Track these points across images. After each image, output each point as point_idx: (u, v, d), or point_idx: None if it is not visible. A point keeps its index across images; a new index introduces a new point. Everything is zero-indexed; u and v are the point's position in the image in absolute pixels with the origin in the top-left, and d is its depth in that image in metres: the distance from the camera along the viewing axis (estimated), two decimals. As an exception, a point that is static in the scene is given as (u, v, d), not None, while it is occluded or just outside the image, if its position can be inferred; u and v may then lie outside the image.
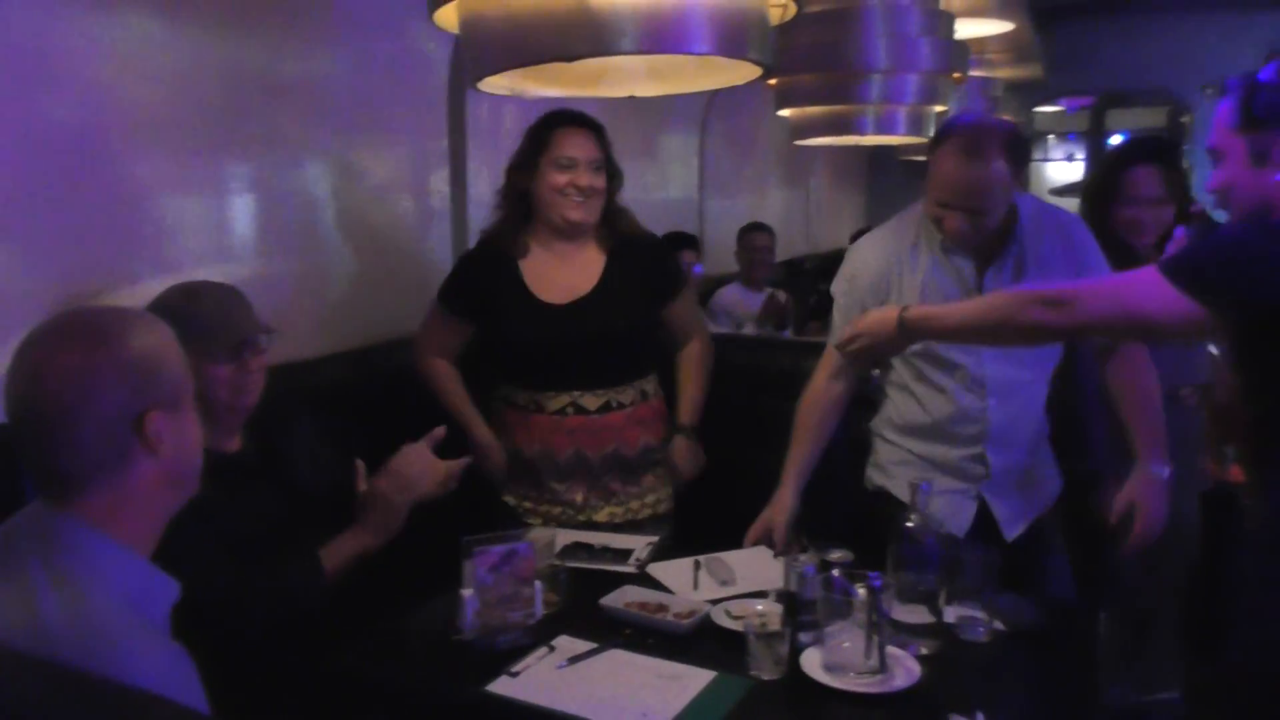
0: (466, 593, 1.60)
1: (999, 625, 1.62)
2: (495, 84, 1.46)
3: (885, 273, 1.98)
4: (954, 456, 1.98)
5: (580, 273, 2.20)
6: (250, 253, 2.24)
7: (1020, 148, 1.93)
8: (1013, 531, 1.99)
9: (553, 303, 2.18)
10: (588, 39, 1.23)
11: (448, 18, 1.34)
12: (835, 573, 1.51)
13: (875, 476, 2.09)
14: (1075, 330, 1.61)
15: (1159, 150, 2.36)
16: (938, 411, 1.96)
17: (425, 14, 1.35)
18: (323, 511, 1.76)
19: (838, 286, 2.07)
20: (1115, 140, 7.29)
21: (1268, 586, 1.40)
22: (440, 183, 2.81)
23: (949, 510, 1.96)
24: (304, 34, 2.30)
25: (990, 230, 1.90)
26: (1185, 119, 6.64)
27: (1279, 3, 5.85)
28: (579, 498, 2.20)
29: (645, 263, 2.26)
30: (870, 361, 1.96)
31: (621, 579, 1.85)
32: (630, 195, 2.31)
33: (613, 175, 2.21)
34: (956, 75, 2.58)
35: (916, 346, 1.91)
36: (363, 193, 2.55)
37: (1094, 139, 7.49)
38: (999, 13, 3.83)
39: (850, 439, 2.18)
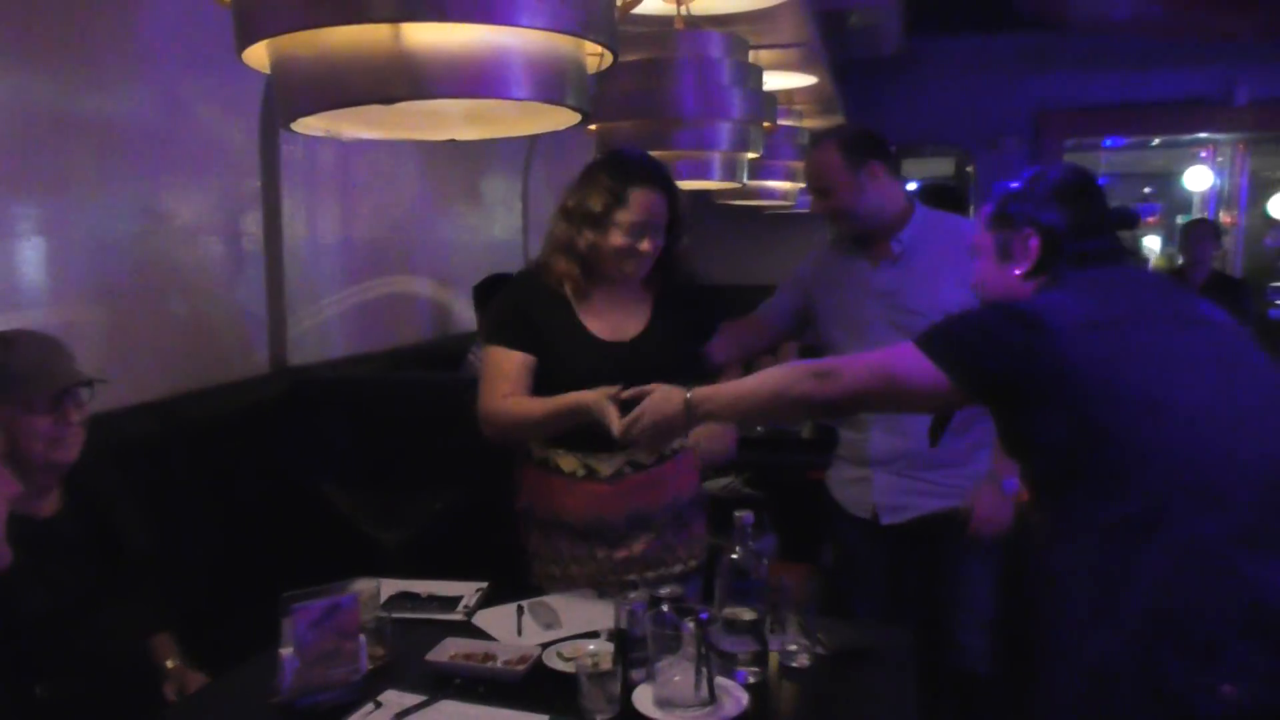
0: (285, 652, 1.52)
1: (820, 650, 1.68)
2: (310, 125, 1.43)
3: (811, 270, 2.50)
4: (849, 438, 2.39)
5: (631, 313, 2.06)
6: (40, 300, 2.08)
7: (857, 141, 2.33)
8: (889, 519, 2.26)
9: (612, 340, 2.02)
10: (405, 82, 1.22)
11: (258, 56, 1.30)
12: (664, 608, 1.53)
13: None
14: (841, 401, 1.61)
15: (943, 196, 2.70)
16: None
17: (234, 51, 1.31)
18: (138, 576, 1.66)
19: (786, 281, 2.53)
20: (910, 187, 7.83)
21: (1047, 629, 1.49)
22: (253, 225, 2.71)
23: (854, 496, 2.38)
24: (100, 69, 2.17)
25: (862, 221, 2.33)
26: (970, 168, 7.23)
27: (1045, 67, 6.53)
28: (629, 552, 2.03)
29: (690, 304, 2.14)
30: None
31: (450, 628, 1.81)
32: (452, 237, 2.31)
33: (677, 226, 2.04)
34: (766, 124, 2.72)
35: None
36: (167, 235, 2.42)
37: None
38: (803, 67, 4.07)
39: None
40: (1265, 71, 6.27)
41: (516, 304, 2.04)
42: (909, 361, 1.48)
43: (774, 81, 3.98)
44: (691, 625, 1.47)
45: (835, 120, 5.45)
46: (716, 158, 2.65)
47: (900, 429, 2.29)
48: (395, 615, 1.80)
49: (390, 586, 1.97)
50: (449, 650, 1.68)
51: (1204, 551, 1.29)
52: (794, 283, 2.55)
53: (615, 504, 2.00)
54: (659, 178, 1.97)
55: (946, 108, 6.87)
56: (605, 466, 1.99)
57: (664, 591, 1.58)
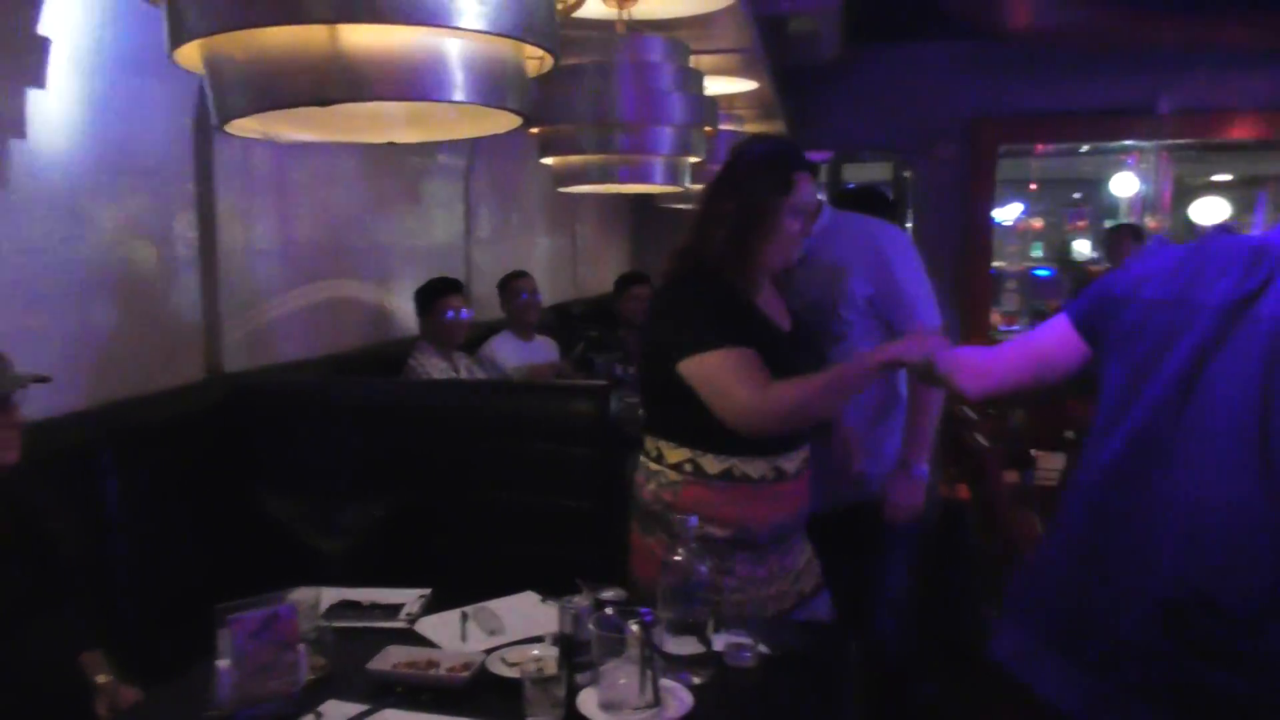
0: (222, 664, 1.49)
1: (764, 649, 1.70)
2: (245, 127, 1.40)
3: None
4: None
5: (776, 303, 2.07)
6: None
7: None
8: (812, 509, 2.19)
9: (786, 330, 2.02)
10: (343, 84, 1.21)
11: (190, 57, 1.28)
12: (608, 611, 1.53)
13: None
14: (991, 396, 1.75)
15: (864, 201, 2.78)
16: None
17: (165, 50, 1.28)
18: (68, 588, 1.61)
19: None
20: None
21: None
22: (187, 229, 2.65)
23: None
24: (24, 69, 2.10)
25: None
26: (908, 173, 7.37)
27: (980, 75, 6.67)
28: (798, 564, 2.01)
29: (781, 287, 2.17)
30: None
31: (392, 636, 1.79)
32: (393, 241, 2.28)
33: None
34: (708, 129, 2.74)
35: None
36: (98, 240, 2.35)
37: (833, 189, 8.14)
38: (744, 72, 4.11)
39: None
40: (1186, 83, 6.51)
41: (719, 303, 1.94)
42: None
43: (715, 86, 4.01)
44: (636, 627, 1.48)
45: (776, 125, 5.52)
46: (658, 162, 2.66)
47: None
48: (336, 624, 1.77)
49: (331, 595, 1.94)
50: (391, 658, 1.66)
51: None
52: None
53: (792, 504, 1.98)
54: (813, 164, 2.00)
55: (885, 114, 6.99)
56: (789, 464, 1.95)
57: (608, 594, 1.59)
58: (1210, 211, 9.02)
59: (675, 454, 1.93)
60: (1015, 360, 1.61)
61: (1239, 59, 6.42)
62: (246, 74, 1.23)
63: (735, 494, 1.91)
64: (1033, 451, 3.45)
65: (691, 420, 1.88)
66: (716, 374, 1.84)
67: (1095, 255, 9.34)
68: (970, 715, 1.84)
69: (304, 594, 1.72)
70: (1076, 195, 9.92)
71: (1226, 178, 9.23)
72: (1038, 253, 9.48)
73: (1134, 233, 5.50)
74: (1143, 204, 7.57)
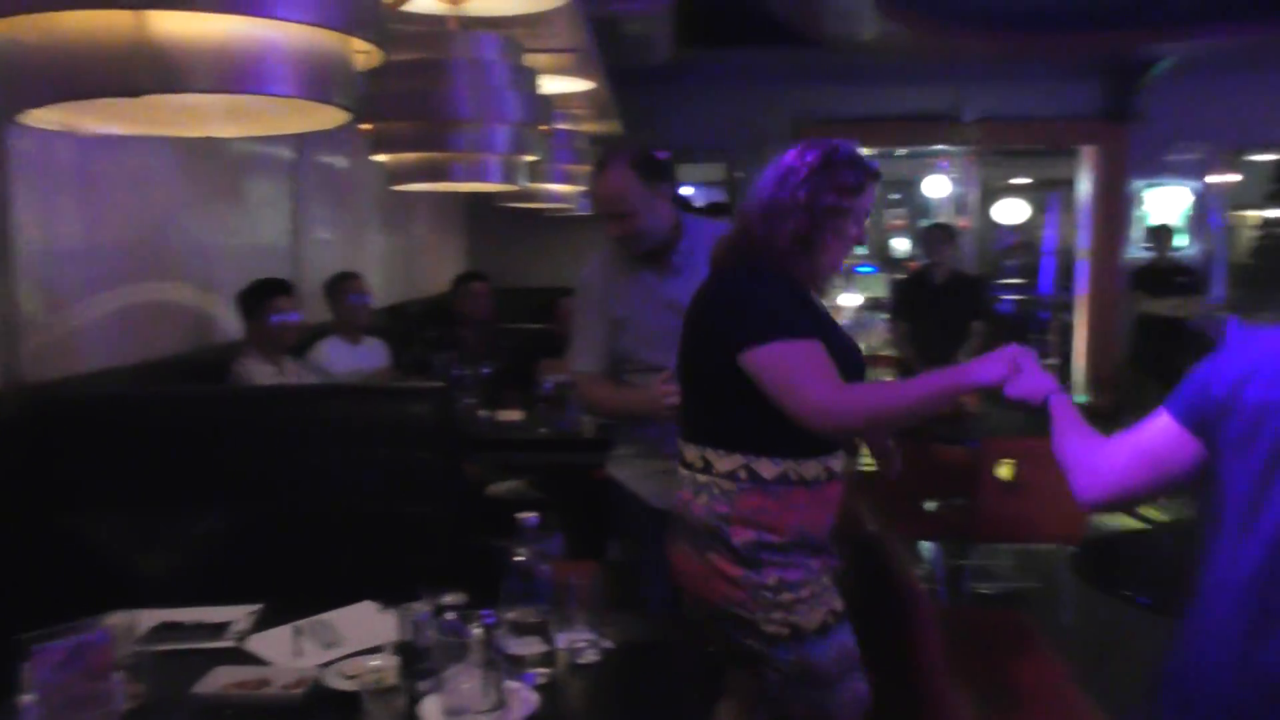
0: (26, 699, 1.38)
1: (609, 643, 1.72)
2: (43, 118, 1.31)
3: (603, 285, 2.47)
4: (644, 435, 2.41)
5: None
6: None
7: (649, 163, 2.37)
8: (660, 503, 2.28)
9: (848, 337, 1.97)
10: (153, 74, 1.14)
11: (-25, 40, 1.17)
12: (449, 616, 1.51)
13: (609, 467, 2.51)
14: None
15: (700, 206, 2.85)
16: None
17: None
18: None
19: (580, 299, 2.54)
20: (685, 191, 8.16)
21: None
22: (-25, 227, 2.42)
23: (656, 488, 2.37)
24: None
25: (653, 238, 2.37)
26: (740, 174, 7.59)
27: (805, 80, 6.97)
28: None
29: None
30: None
31: (220, 656, 1.70)
32: (214, 241, 2.17)
33: None
34: (543, 127, 2.74)
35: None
36: None
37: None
38: (579, 72, 4.14)
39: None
40: (988, 93, 7.04)
41: (799, 298, 1.86)
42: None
43: (551, 86, 4.01)
44: (477, 631, 1.46)
45: (612, 125, 5.57)
46: (493, 160, 2.64)
47: None
48: (156, 648, 1.67)
49: (152, 617, 1.83)
50: (219, 680, 1.58)
51: None
52: (593, 305, 2.52)
53: (837, 507, 1.90)
54: (876, 170, 1.93)
55: (717, 116, 7.20)
56: (836, 464, 1.88)
57: (448, 598, 1.57)
58: (1010, 212, 9.76)
59: (726, 462, 1.82)
60: (1131, 466, 1.51)
61: (1034, 73, 6.98)
62: (42, 61, 1.15)
63: (793, 498, 1.81)
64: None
65: (748, 421, 1.79)
66: (792, 365, 1.73)
67: (913, 252, 9.95)
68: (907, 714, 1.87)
69: (118, 619, 1.61)
70: (895, 196, 10.50)
71: (1027, 181, 9.98)
72: (860, 250, 9.99)
73: (947, 231, 5.84)
74: (954, 204, 8.08)
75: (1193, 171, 7.44)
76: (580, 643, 1.69)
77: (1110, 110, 7.20)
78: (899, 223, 10.68)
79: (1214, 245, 7.53)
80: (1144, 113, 7.08)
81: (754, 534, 1.78)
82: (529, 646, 1.60)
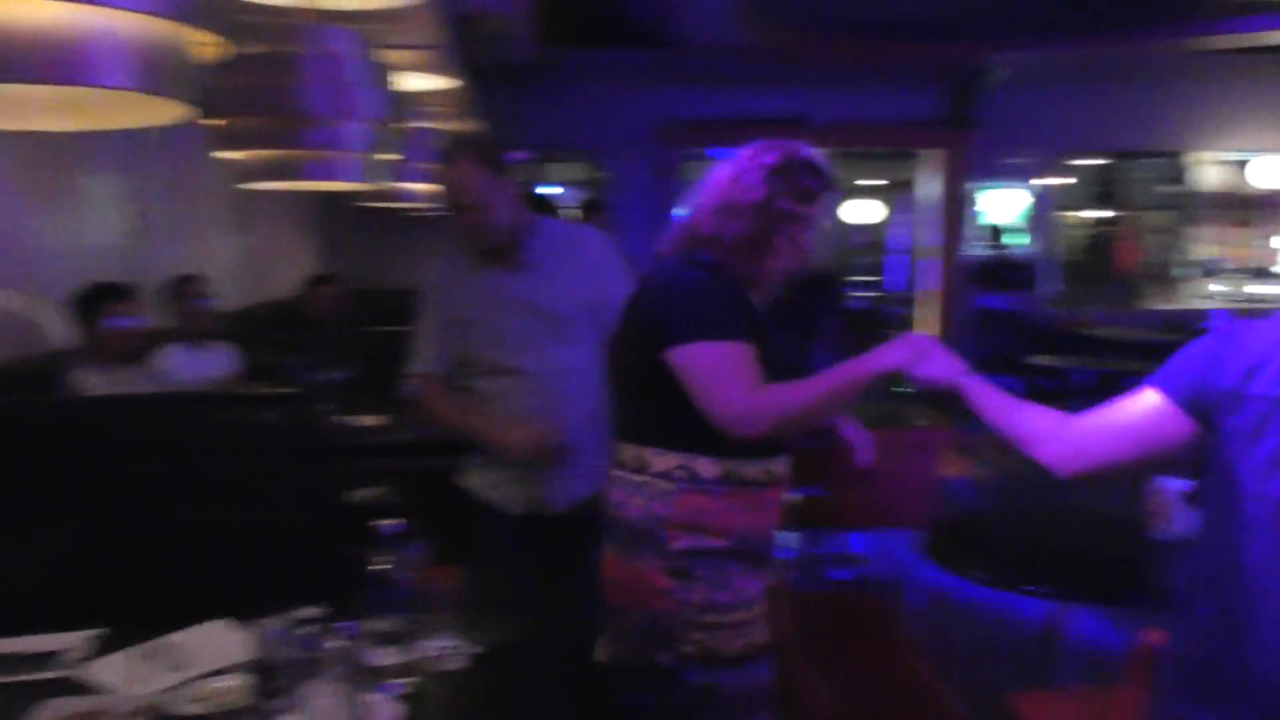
0: None
1: (474, 648, 1.69)
2: None
3: (448, 284, 2.46)
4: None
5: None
6: None
7: (494, 154, 2.37)
8: (558, 507, 2.33)
9: (781, 339, 1.86)
10: (-36, 62, 1.06)
11: None
12: (304, 630, 1.46)
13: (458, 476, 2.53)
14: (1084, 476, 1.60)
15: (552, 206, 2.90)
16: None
17: None
18: None
19: (423, 301, 2.51)
20: (551, 190, 8.15)
21: None
22: None
23: (510, 494, 2.40)
24: None
25: (500, 231, 2.34)
26: (605, 173, 7.63)
27: (665, 82, 7.07)
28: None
29: None
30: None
31: (52, 688, 1.59)
32: (43, 242, 2.02)
33: None
34: (401, 125, 2.68)
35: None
36: None
37: (526, 190, 8.26)
38: (440, 69, 4.06)
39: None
40: (836, 97, 7.32)
41: (733, 298, 1.78)
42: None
43: (410, 83, 3.93)
44: (334, 644, 1.42)
45: (475, 124, 5.50)
46: (346, 158, 2.56)
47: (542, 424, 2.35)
48: (-22, 680, 1.55)
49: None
50: (49, 713, 1.48)
51: None
52: (436, 305, 2.50)
53: (779, 512, 1.85)
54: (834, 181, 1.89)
55: (581, 115, 7.23)
56: (778, 467, 1.81)
57: (304, 613, 1.51)
58: (861, 212, 10.19)
59: (664, 460, 1.75)
60: (1116, 440, 1.49)
61: (881, 80, 7.30)
62: None
63: (734, 500, 1.75)
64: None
65: (686, 419, 1.69)
66: (710, 367, 1.67)
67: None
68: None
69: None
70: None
71: (879, 183, 10.41)
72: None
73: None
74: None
75: (1026, 174, 7.95)
76: (445, 648, 1.66)
77: (950, 116, 7.60)
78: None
79: (1046, 243, 8.06)
80: (981, 119, 7.50)
81: (691, 540, 1.73)
82: (393, 656, 1.56)
